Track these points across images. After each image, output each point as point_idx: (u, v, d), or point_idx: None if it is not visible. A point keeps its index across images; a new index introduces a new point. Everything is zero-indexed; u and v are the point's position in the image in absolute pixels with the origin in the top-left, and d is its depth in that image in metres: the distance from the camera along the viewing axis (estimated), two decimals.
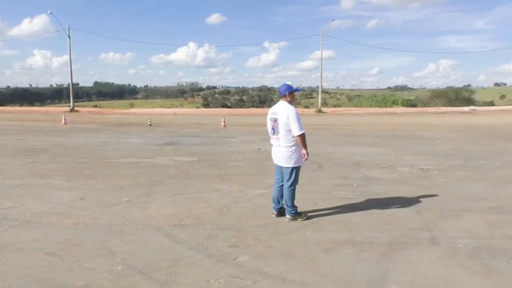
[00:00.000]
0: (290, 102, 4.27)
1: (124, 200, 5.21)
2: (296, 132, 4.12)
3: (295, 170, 4.30)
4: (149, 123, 19.28)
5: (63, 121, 19.30)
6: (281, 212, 4.48)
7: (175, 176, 6.85)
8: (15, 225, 4.16)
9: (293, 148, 4.22)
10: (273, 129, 4.31)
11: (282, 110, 4.20)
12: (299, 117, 4.14)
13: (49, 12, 34.24)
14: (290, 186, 4.31)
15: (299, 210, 4.44)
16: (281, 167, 4.40)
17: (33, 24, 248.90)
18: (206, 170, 7.42)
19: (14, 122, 20.25)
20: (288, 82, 4.33)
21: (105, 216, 4.52)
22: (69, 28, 34.29)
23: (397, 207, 4.91)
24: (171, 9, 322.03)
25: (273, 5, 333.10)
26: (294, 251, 3.52)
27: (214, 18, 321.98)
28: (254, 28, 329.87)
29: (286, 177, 4.34)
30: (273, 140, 4.43)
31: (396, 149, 10.25)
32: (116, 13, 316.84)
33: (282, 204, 4.47)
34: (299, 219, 4.36)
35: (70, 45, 34.60)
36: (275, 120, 4.25)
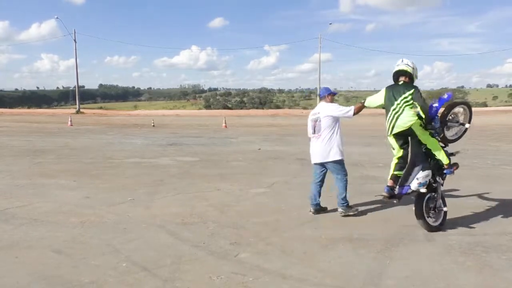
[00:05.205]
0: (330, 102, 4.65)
1: (129, 199, 5.30)
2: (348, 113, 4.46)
3: (343, 161, 4.53)
4: (152, 124, 19.43)
5: (69, 123, 19.51)
6: (317, 209, 4.61)
7: (178, 176, 6.94)
8: (24, 224, 4.25)
9: (334, 142, 4.46)
10: (313, 128, 4.57)
11: (323, 108, 4.54)
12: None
13: (55, 17, 34.85)
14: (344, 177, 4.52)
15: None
16: (323, 163, 4.54)
17: (41, 29, 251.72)
18: (208, 170, 7.52)
19: (22, 123, 20.44)
20: (327, 86, 4.83)
21: (110, 214, 4.61)
22: (75, 32, 34.80)
23: (393, 205, 4.93)
24: (175, 13, 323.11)
25: (273, 9, 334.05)
26: (293, 248, 3.58)
27: (217, 22, 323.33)
28: (254, 32, 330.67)
29: (335, 169, 4.50)
30: (312, 139, 4.65)
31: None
32: (120, 18, 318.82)
33: (319, 200, 4.63)
34: (351, 213, 4.49)
35: (76, 49, 35.16)
36: (317, 119, 4.53)
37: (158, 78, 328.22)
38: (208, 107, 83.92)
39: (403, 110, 3.93)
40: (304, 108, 50.23)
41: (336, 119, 4.49)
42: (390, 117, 4.02)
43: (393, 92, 4.12)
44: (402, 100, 3.98)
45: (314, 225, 4.24)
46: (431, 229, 3.97)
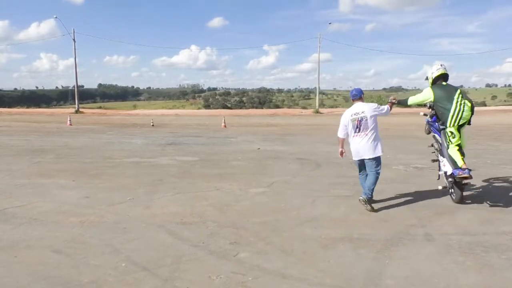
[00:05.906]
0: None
1: (128, 198, 5.30)
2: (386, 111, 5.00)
3: (381, 157, 4.89)
4: (151, 124, 19.41)
5: (68, 122, 19.47)
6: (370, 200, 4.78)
7: (177, 176, 6.94)
8: (23, 223, 4.26)
9: (378, 138, 4.85)
10: (358, 127, 4.83)
11: (367, 108, 4.87)
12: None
13: (55, 16, 34.90)
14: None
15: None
16: (366, 159, 4.82)
17: (40, 28, 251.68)
18: (207, 170, 7.51)
19: (21, 123, 20.39)
20: (358, 87, 5.21)
21: (109, 214, 4.61)
22: (74, 32, 34.62)
23: (393, 205, 4.97)
24: (174, 13, 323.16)
25: (273, 9, 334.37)
26: (293, 247, 3.59)
27: (216, 22, 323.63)
28: (254, 32, 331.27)
29: (374, 165, 4.80)
30: (356, 138, 4.87)
31: (391, 148, 10.25)
32: (120, 17, 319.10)
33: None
34: (368, 206, 4.69)
35: (75, 49, 35.00)
36: (361, 119, 4.80)
37: (158, 78, 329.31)
38: (207, 106, 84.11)
39: (464, 105, 4.83)
40: (304, 107, 50.19)
41: (376, 117, 4.88)
42: (455, 111, 4.85)
43: (444, 91, 4.99)
44: (457, 98, 4.87)
45: (314, 224, 4.25)
46: (462, 201, 4.91)
